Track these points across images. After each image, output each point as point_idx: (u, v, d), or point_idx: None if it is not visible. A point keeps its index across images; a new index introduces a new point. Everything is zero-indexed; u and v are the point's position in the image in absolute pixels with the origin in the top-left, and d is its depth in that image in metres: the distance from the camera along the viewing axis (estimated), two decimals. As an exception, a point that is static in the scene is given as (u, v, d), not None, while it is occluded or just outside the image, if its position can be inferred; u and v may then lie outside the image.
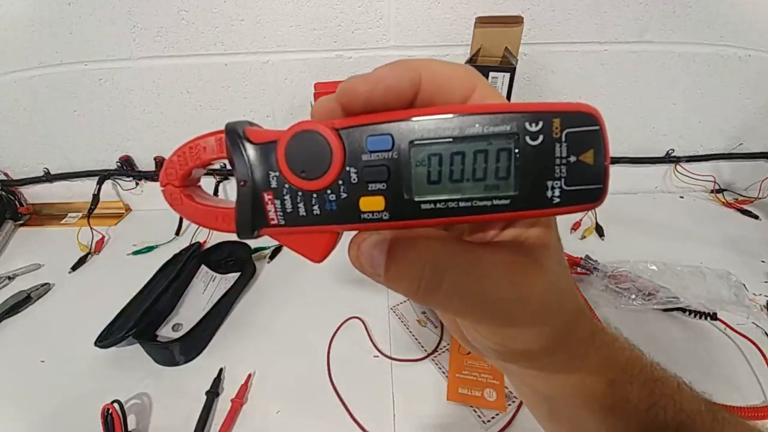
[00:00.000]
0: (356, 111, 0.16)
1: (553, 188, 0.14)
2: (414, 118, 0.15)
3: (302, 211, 0.16)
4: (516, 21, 0.56)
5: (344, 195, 0.16)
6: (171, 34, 0.72)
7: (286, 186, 0.16)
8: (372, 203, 0.16)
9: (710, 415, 0.20)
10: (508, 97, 0.55)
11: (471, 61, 0.56)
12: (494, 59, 0.57)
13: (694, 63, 0.75)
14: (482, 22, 0.57)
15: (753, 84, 0.77)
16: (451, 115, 0.15)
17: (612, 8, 0.70)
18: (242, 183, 0.16)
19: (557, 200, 0.15)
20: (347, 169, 0.15)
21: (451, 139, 0.15)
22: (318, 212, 0.16)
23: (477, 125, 0.14)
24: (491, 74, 0.54)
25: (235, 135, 0.16)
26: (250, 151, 0.16)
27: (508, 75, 0.54)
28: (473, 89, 0.16)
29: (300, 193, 0.16)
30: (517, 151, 0.14)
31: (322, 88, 0.63)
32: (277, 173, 0.16)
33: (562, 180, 0.14)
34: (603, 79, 0.77)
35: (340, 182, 0.16)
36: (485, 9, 0.69)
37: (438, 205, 0.15)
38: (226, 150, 0.17)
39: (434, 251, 0.16)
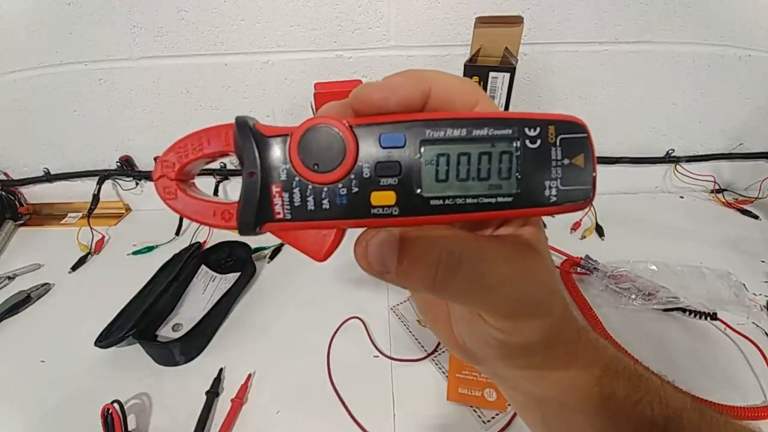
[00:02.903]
0: (367, 115, 0.16)
1: (550, 188, 0.16)
2: (425, 120, 0.16)
3: (311, 205, 0.16)
4: (516, 21, 0.56)
5: (356, 189, 0.16)
6: (171, 34, 0.72)
7: (296, 179, 0.16)
8: (383, 198, 0.16)
9: (697, 412, 0.20)
10: (508, 97, 0.56)
11: (471, 61, 0.56)
12: (494, 59, 0.57)
13: (694, 63, 0.75)
14: (482, 22, 0.57)
15: (753, 84, 0.77)
16: (459, 119, 0.16)
17: (612, 8, 0.70)
18: (250, 174, 0.16)
19: (554, 199, 0.16)
20: (360, 163, 0.16)
21: (458, 141, 0.16)
22: (327, 206, 0.16)
23: (482, 128, 0.16)
24: (491, 74, 0.54)
25: (245, 126, 0.16)
26: (260, 143, 0.16)
27: (508, 75, 0.54)
28: (476, 103, 0.17)
29: (310, 187, 0.16)
30: (518, 153, 0.16)
31: (322, 88, 0.63)
32: (288, 165, 0.16)
33: (558, 180, 0.16)
34: (603, 79, 0.77)
35: (353, 176, 0.16)
36: (485, 9, 0.69)
37: (446, 201, 0.16)
38: (234, 141, 0.17)
39: (449, 238, 0.16)
